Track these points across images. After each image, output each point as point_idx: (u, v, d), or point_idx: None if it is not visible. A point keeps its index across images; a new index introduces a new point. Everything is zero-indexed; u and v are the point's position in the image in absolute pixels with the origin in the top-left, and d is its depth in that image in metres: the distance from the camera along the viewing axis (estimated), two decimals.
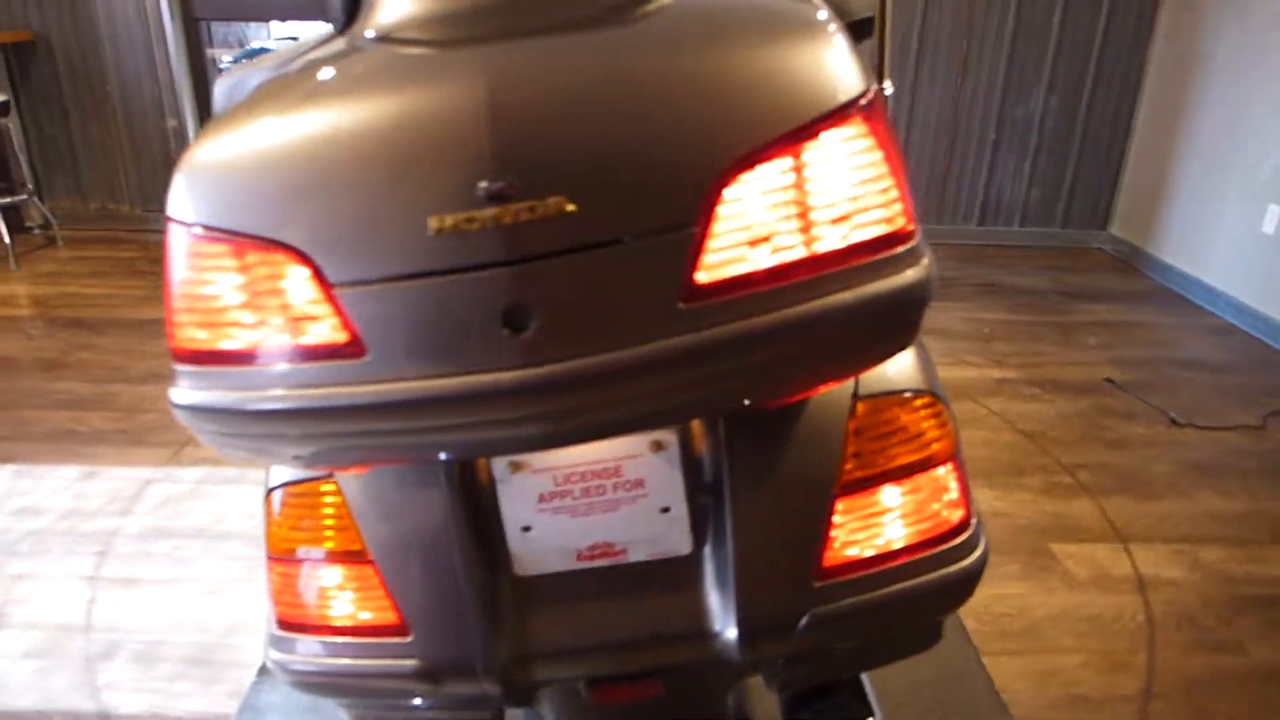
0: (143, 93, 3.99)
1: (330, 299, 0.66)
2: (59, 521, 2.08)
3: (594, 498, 0.90)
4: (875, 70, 1.01)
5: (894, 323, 0.71)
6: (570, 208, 0.63)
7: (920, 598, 0.90)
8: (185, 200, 0.69)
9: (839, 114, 0.67)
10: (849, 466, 0.88)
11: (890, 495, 0.89)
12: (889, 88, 1.02)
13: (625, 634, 0.91)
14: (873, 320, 0.69)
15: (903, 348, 0.76)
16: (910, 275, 0.69)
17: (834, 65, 0.68)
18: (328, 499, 0.92)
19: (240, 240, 0.67)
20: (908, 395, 0.91)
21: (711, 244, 0.65)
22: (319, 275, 0.66)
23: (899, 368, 0.92)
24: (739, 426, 0.89)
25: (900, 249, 0.69)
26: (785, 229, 0.66)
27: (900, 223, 0.69)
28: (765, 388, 0.72)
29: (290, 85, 0.74)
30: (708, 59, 0.68)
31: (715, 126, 0.65)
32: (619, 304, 0.65)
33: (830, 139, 0.67)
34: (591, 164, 0.63)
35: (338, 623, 0.92)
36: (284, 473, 0.94)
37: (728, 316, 0.65)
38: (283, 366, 0.68)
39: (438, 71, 0.68)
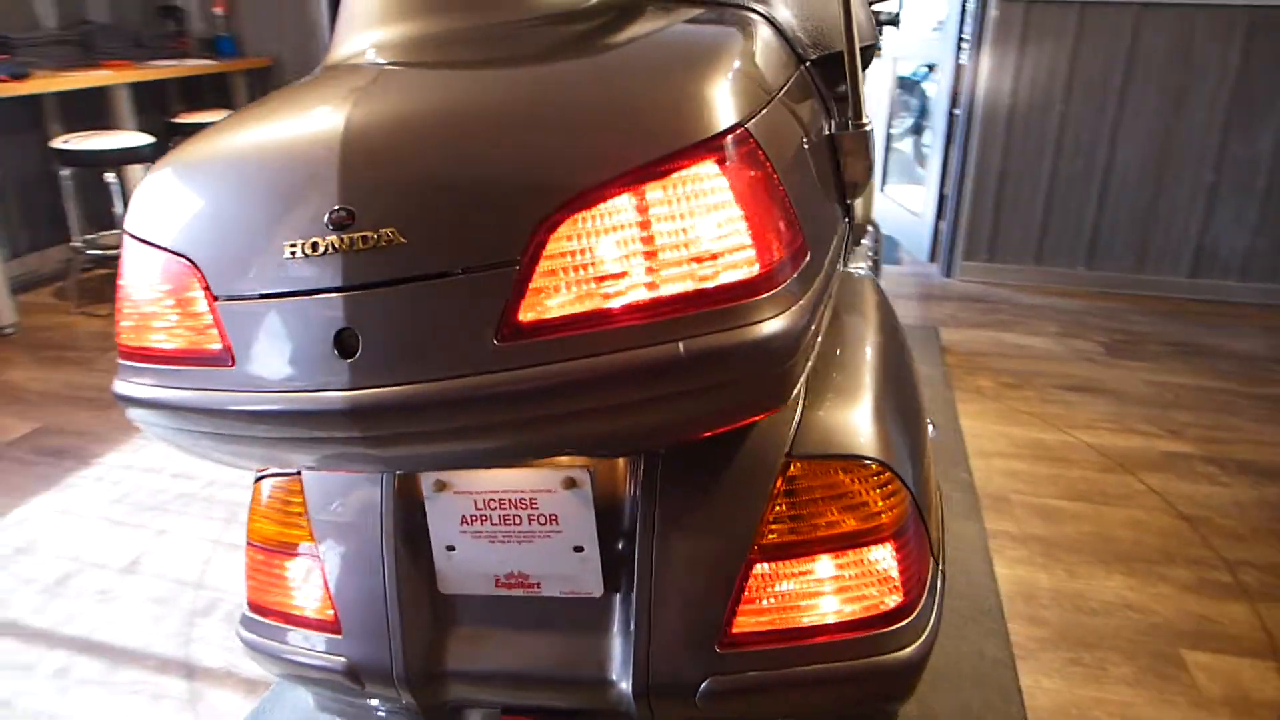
0: None
1: (213, 310, 0.70)
2: (204, 487, 2.35)
3: (511, 527, 0.89)
4: (853, 108, 0.93)
5: (740, 379, 0.65)
6: (401, 240, 0.63)
7: (839, 684, 0.81)
8: (131, 214, 0.77)
9: (688, 153, 0.62)
10: (772, 530, 0.81)
11: (815, 567, 0.82)
12: (868, 124, 0.94)
13: (535, 668, 0.90)
14: (710, 375, 0.64)
15: (765, 408, 0.69)
16: (760, 330, 0.63)
17: (691, 102, 0.64)
18: (294, 496, 0.97)
19: (157, 250, 0.73)
20: (851, 461, 0.82)
21: (536, 283, 0.63)
22: (208, 287, 0.70)
23: (850, 429, 0.84)
24: (659, 472, 0.84)
25: (749, 300, 0.63)
26: (620, 271, 0.63)
27: (750, 271, 0.63)
28: (591, 438, 0.68)
29: (245, 112, 0.81)
30: (563, 93, 0.66)
31: (554, 163, 0.63)
32: (438, 337, 0.64)
33: (676, 179, 0.62)
34: (425, 197, 0.63)
35: (291, 612, 0.97)
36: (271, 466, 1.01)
37: (543, 358, 0.63)
38: (179, 366, 0.73)
39: (326, 100, 0.71)
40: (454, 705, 0.94)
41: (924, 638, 0.84)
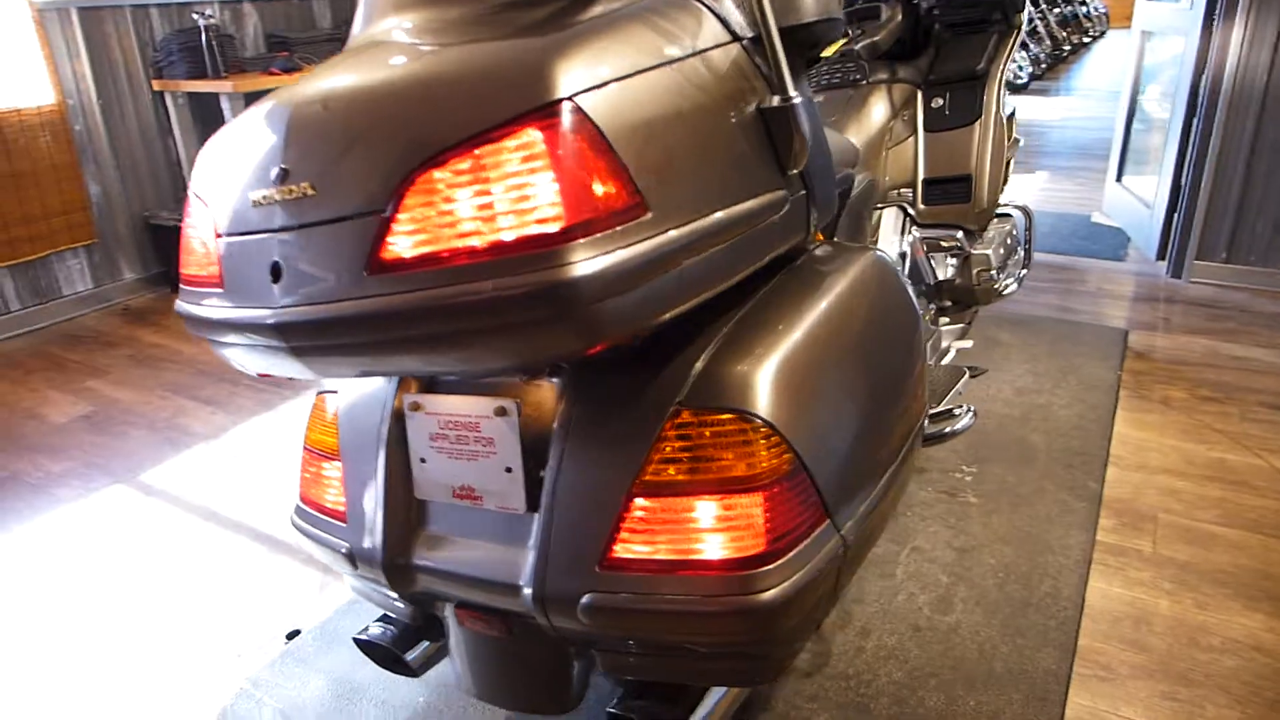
0: None
1: (216, 245, 0.92)
2: None
3: (462, 446, 1.05)
4: (777, 84, 0.96)
5: (547, 317, 0.74)
6: (313, 192, 0.81)
7: (697, 617, 0.88)
8: (193, 172, 1.02)
9: (516, 121, 0.73)
10: (654, 468, 0.90)
11: (688, 507, 0.89)
12: (793, 99, 0.96)
13: (474, 570, 1.05)
14: (518, 312, 0.74)
15: (576, 346, 0.77)
16: (557, 275, 0.72)
17: (525, 77, 0.74)
18: (329, 406, 1.20)
19: (196, 199, 0.97)
20: (735, 414, 0.89)
21: (396, 229, 0.77)
22: (215, 226, 0.93)
23: (741, 385, 0.90)
24: (574, 408, 0.96)
25: (551, 249, 0.73)
26: (458, 220, 0.75)
27: (556, 225, 0.73)
28: (440, 358, 0.80)
29: (279, 90, 1.03)
30: (440, 69, 0.79)
31: (417, 129, 0.76)
32: (331, 269, 0.80)
33: (506, 144, 0.74)
34: (330, 158, 0.80)
35: (322, 504, 1.20)
36: (325, 383, 1.25)
37: (396, 290, 0.77)
38: (202, 288, 0.97)
39: (307, 80, 0.90)
40: (423, 596, 1.13)
41: (783, 587, 0.88)
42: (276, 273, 0.83)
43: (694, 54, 0.89)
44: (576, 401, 0.97)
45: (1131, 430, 2.49)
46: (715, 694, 1.06)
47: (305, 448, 1.24)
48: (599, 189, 0.75)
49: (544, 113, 0.74)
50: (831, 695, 1.48)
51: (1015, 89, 8.92)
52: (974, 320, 2.33)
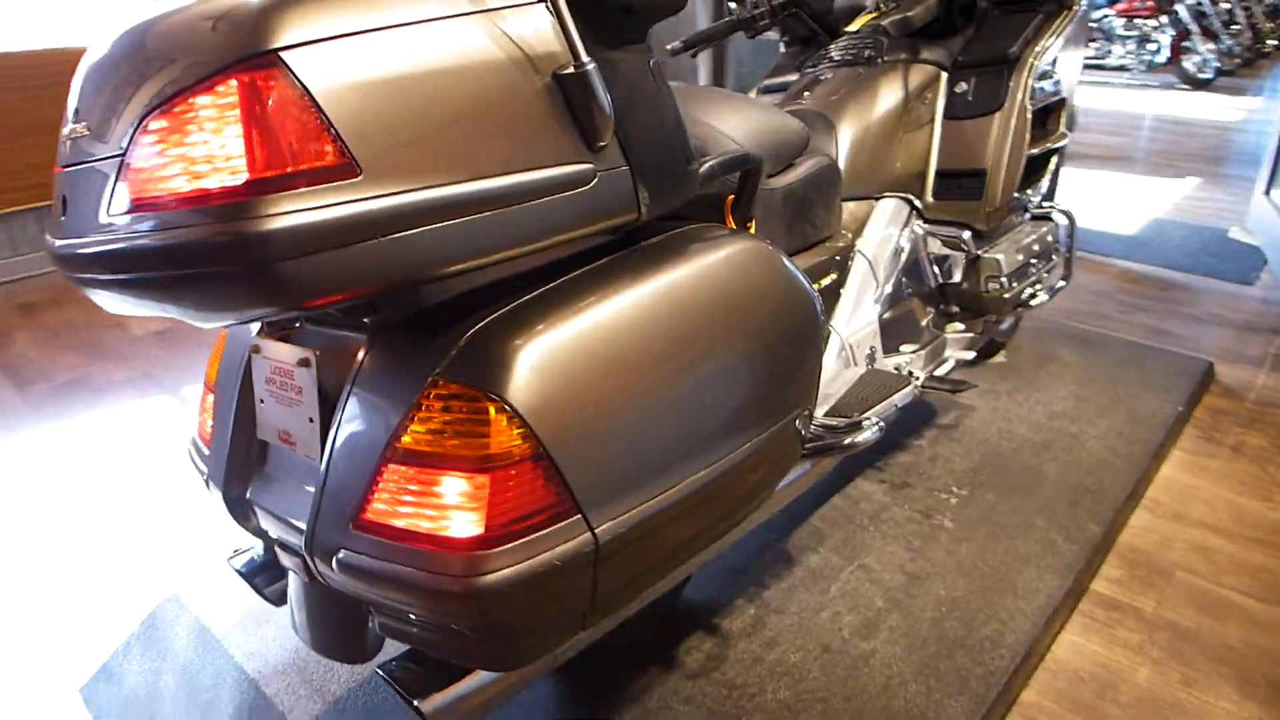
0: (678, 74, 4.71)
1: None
2: None
3: (284, 392, 1.06)
4: (570, 51, 0.88)
5: (222, 271, 0.73)
6: (86, 133, 0.83)
7: (420, 593, 0.86)
8: None
9: (222, 73, 0.72)
10: (407, 435, 0.88)
11: (429, 479, 0.87)
12: (586, 65, 0.88)
13: (283, 511, 1.07)
14: (201, 264, 0.73)
15: (252, 302, 0.75)
16: (228, 229, 0.71)
17: (234, 30, 0.73)
18: (219, 348, 1.25)
19: None
20: (477, 392, 0.85)
21: (127, 173, 0.78)
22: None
23: (492, 365, 0.87)
24: (360, 368, 0.96)
25: (230, 203, 0.71)
26: (168, 163, 0.75)
27: (238, 179, 0.71)
28: (156, 304, 0.80)
29: None
30: (188, 20, 0.78)
31: (155, 77, 0.77)
32: (87, 207, 0.82)
33: (214, 94, 0.73)
34: (95, 103, 0.82)
35: (202, 432, 1.26)
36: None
37: (120, 231, 0.77)
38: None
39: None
40: (259, 531, 1.16)
41: (504, 574, 0.84)
42: (64, 206, 0.86)
43: (465, 14, 0.84)
44: (364, 359, 0.96)
45: (1182, 474, 2.22)
46: (487, 677, 1.04)
47: (205, 382, 1.30)
48: (295, 145, 0.73)
49: (246, 65, 0.72)
50: (708, 700, 1.41)
51: (1198, 84, 8.01)
52: (993, 329, 2.12)
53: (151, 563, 1.94)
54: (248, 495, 1.14)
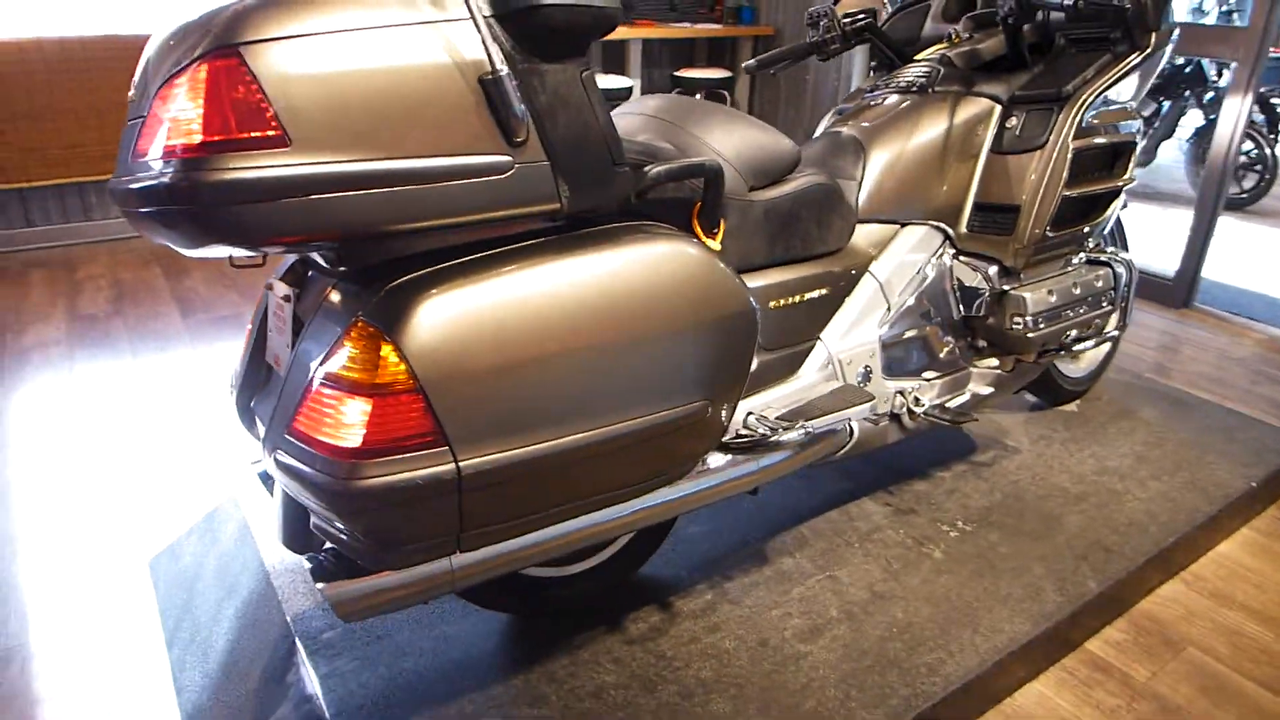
0: (825, 86, 4.73)
1: None
2: None
3: (278, 322, 1.30)
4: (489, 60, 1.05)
5: (177, 211, 0.95)
6: (134, 99, 1.08)
7: (314, 491, 1.06)
8: None
9: (198, 60, 0.94)
10: (329, 363, 1.08)
11: (332, 399, 1.06)
12: (501, 70, 1.05)
13: (265, 419, 1.30)
14: (163, 203, 0.95)
15: (200, 238, 0.96)
16: (177, 177, 0.92)
17: (220, 23, 0.95)
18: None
19: None
20: (379, 333, 1.03)
21: (144, 128, 1.01)
22: None
23: (395, 310, 1.05)
24: (319, 303, 1.17)
25: (184, 158, 0.93)
26: (159, 126, 0.98)
27: (193, 140, 0.92)
28: (155, 235, 1.02)
29: None
30: (204, 12, 1.00)
31: (172, 56, 1.00)
32: (125, 154, 1.06)
33: (191, 74, 0.94)
34: (143, 78, 1.07)
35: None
36: None
37: (135, 175, 1.01)
38: None
39: None
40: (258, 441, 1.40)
41: (371, 482, 1.02)
42: (125, 151, 1.12)
43: (402, 25, 1.01)
44: (324, 299, 1.17)
45: (1241, 554, 2.06)
46: (390, 579, 1.21)
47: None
48: (240, 119, 0.93)
49: (215, 54, 0.94)
50: (634, 664, 1.52)
51: None
52: (1031, 370, 2.05)
53: (236, 465, 2.29)
54: (251, 405, 1.38)
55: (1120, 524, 1.96)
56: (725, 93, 5.02)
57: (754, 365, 1.53)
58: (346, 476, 1.03)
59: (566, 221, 1.23)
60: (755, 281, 1.52)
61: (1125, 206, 2.43)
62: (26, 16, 3.67)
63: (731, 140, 1.48)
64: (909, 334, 1.80)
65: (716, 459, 1.47)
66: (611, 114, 1.61)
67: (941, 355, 1.88)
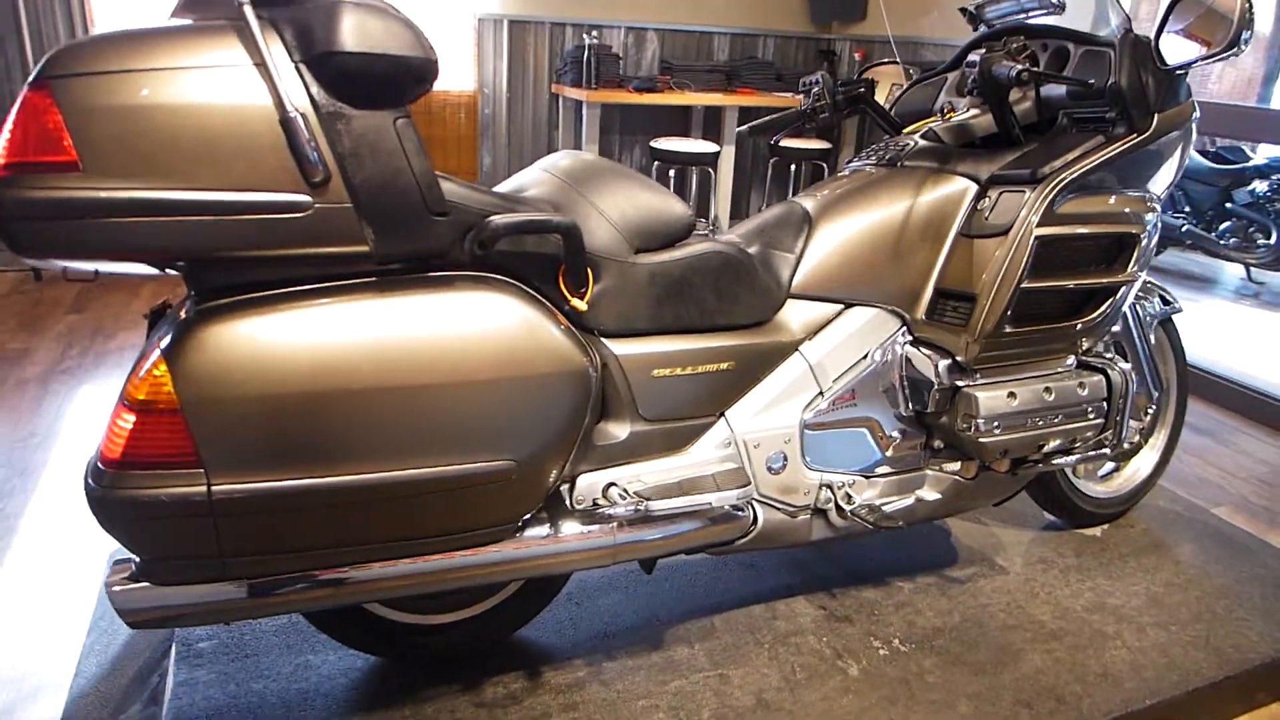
0: None
1: None
2: None
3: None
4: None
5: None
6: None
7: (86, 498, 1.11)
8: None
9: (28, 88, 1.04)
10: (130, 382, 1.13)
11: (120, 410, 1.11)
12: (290, 113, 1.09)
13: None
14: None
15: (8, 246, 1.03)
16: None
17: (49, 59, 1.03)
18: None
19: None
20: (161, 352, 1.08)
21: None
22: None
23: (176, 339, 1.12)
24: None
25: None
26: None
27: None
28: None
29: None
30: None
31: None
32: None
33: (19, 100, 1.04)
34: None
35: None
36: None
37: None
38: None
39: None
40: None
41: (121, 494, 1.06)
42: None
43: (206, 67, 1.06)
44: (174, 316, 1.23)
45: None
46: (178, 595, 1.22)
47: None
48: (39, 143, 1.01)
49: (33, 86, 1.03)
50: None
51: None
52: (1008, 484, 1.82)
53: None
54: None
55: (1091, 673, 1.69)
56: (824, 164, 4.91)
57: (625, 434, 1.46)
58: (104, 485, 1.07)
59: (406, 267, 1.23)
60: (637, 348, 1.46)
61: (1177, 311, 2.15)
62: None
63: (617, 200, 1.44)
64: (846, 424, 1.66)
65: (571, 526, 1.40)
66: (523, 170, 1.62)
67: (888, 452, 1.71)
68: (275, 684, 1.55)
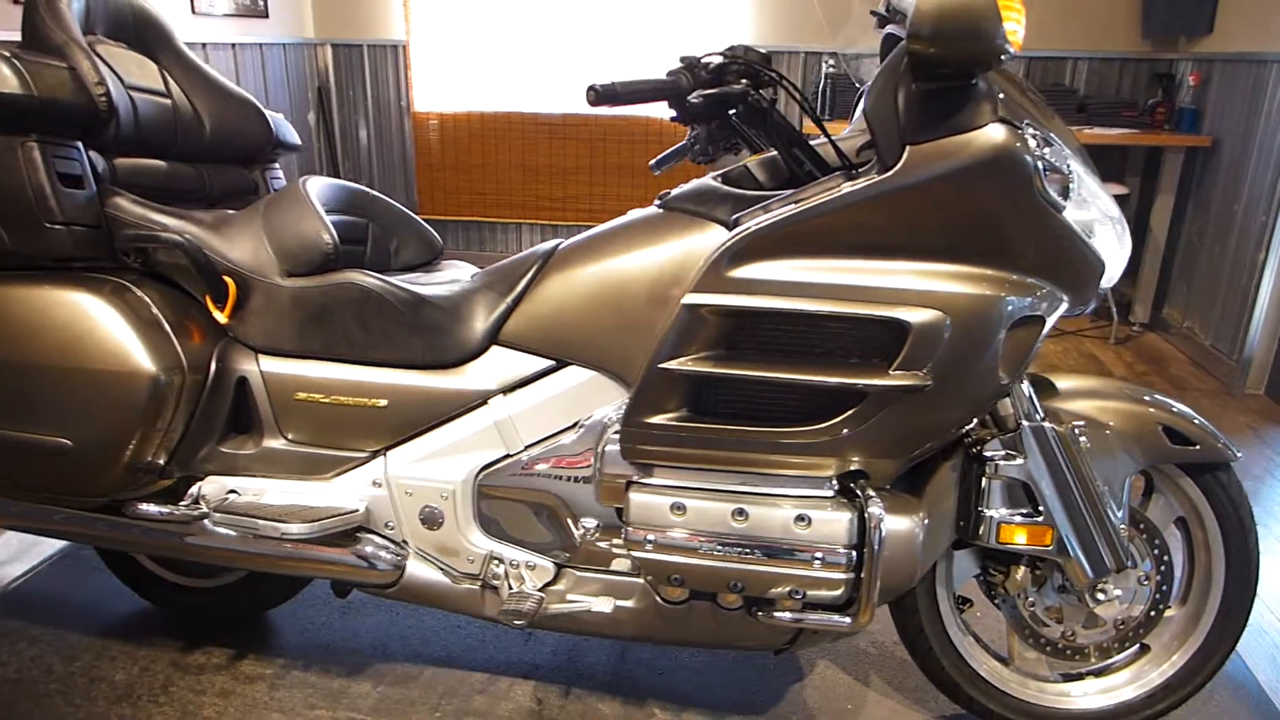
0: (1254, 218, 3.33)
1: None
2: None
3: None
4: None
5: None
6: None
7: None
8: None
9: None
10: None
11: None
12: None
13: None
14: None
15: None
16: None
17: None
18: None
19: None
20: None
21: None
22: None
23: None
24: None
25: None
26: None
27: None
28: None
29: None
30: None
31: None
32: None
33: None
34: None
35: None
36: None
37: None
38: None
39: None
40: None
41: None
42: None
43: None
44: None
45: None
46: None
47: None
48: None
49: None
50: (148, 678, 1.67)
51: None
52: (705, 618, 1.41)
53: None
54: None
55: None
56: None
57: (257, 448, 1.52)
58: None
59: (59, 265, 1.48)
60: (282, 367, 1.50)
61: (1227, 460, 1.40)
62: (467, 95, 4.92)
63: (274, 224, 1.51)
64: (535, 496, 1.47)
65: (149, 508, 1.52)
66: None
67: (580, 542, 1.47)
68: (52, 591, 1.93)
